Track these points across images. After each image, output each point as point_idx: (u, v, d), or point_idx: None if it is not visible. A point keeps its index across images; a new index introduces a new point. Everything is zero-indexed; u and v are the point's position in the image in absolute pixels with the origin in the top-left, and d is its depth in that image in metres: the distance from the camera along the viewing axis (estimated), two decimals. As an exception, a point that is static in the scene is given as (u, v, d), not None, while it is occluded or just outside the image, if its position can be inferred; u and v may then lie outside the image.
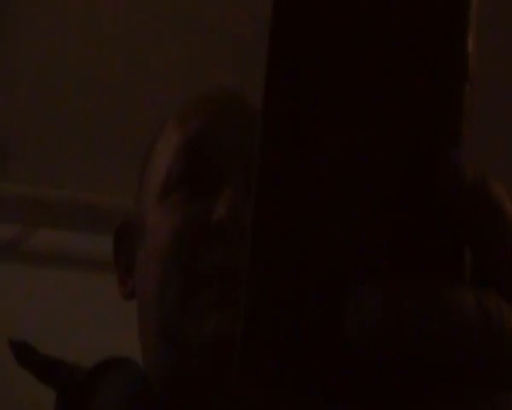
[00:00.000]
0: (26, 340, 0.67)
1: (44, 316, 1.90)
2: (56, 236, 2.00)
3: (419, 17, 0.29)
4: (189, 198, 0.63)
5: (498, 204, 0.28)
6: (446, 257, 0.29)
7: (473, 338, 0.27)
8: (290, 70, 0.29)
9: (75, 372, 0.67)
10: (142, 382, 0.65)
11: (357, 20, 0.29)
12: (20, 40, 1.96)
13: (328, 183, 0.29)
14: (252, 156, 0.63)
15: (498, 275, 0.29)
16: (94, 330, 1.89)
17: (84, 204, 1.99)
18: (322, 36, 0.29)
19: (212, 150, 0.64)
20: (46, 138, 1.97)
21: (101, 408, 0.64)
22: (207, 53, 1.95)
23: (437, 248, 0.29)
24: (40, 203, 1.99)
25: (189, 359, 0.60)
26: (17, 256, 1.99)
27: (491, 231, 0.28)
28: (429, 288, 0.27)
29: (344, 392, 0.28)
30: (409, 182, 0.29)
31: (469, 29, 0.29)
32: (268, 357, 0.28)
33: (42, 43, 1.96)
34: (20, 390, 1.69)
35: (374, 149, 0.29)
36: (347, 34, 0.29)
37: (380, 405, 0.28)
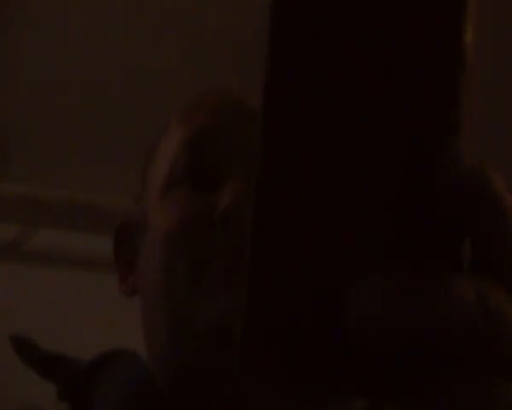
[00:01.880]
0: (27, 336, 0.67)
1: (44, 316, 1.90)
2: (56, 236, 2.00)
3: (418, 6, 0.29)
4: (192, 192, 0.64)
5: (497, 194, 0.28)
6: (445, 248, 0.29)
7: (472, 328, 0.27)
8: (289, 70, 0.29)
9: (77, 367, 0.67)
10: (145, 374, 0.65)
11: (356, 11, 0.29)
12: (21, 40, 1.96)
13: (328, 179, 0.29)
14: (253, 155, 0.64)
15: (497, 266, 0.29)
16: (94, 329, 1.89)
17: (84, 204, 1.99)
18: (320, 33, 0.29)
19: (214, 147, 0.65)
20: (46, 138, 1.97)
21: (103, 401, 0.64)
22: (207, 53, 1.95)
23: (436, 240, 0.29)
24: (40, 203, 1.99)
25: (194, 347, 0.60)
26: (17, 256, 1.99)
27: (490, 222, 0.28)
28: (429, 278, 0.27)
29: (345, 384, 0.28)
30: (408, 174, 0.29)
31: (468, 18, 0.29)
32: (268, 351, 0.28)
33: (42, 43, 1.96)
34: (20, 390, 1.69)
35: (373, 143, 0.29)
36: (345, 26, 0.29)
37: (380, 397, 0.28)
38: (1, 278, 1.94)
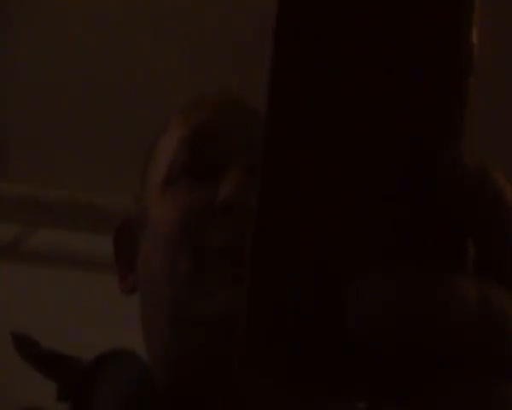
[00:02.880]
0: (29, 336, 0.67)
1: (44, 316, 1.90)
2: (56, 236, 2.00)
3: (421, 6, 0.29)
4: (192, 186, 0.64)
5: (498, 194, 0.28)
6: (446, 248, 0.29)
7: (473, 328, 0.27)
8: (291, 70, 0.29)
9: (77, 366, 0.67)
10: (145, 374, 0.65)
11: (359, 12, 0.29)
12: (21, 40, 1.96)
13: (328, 179, 0.29)
14: (252, 153, 0.64)
15: (498, 266, 0.29)
16: (94, 329, 1.89)
17: (84, 204, 1.99)
18: (322, 34, 0.29)
19: (214, 144, 0.65)
20: (46, 138, 1.97)
21: (103, 400, 0.64)
22: (207, 53, 1.95)
23: (437, 240, 0.29)
24: (40, 203, 1.98)
25: (194, 347, 0.60)
26: (17, 256, 1.98)
27: (491, 221, 0.28)
28: (429, 278, 0.27)
29: (345, 384, 0.28)
30: (409, 174, 0.29)
31: (473, 20, 0.29)
32: (268, 351, 0.28)
33: (42, 43, 1.96)
34: (20, 390, 1.69)
35: (374, 143, 0.29)
36: (349, 28, 0.29)
37: (380, 397, 0.28)
38: (1, 278, 1.94)
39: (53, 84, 1.96)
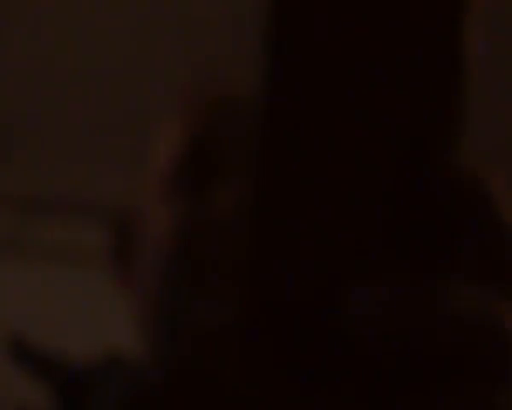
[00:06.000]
0: (22, 337, 0.67)
1: (44, 316, 1.91)
2: (55, 234, 2.00)
3: (417, 5, 0.29)
4: (189, 194, 0.64)
5: (496, 194, 0.28)
6: (446, 249, 0.29)
7: (472, 328, 0.27)
8: (287, 68, 0.29)
9: (73, 370, 0.67)
10: (142, 377, 0.65)
11: (356, 18, 0.29)
12: (20, 40, 1.96)
13: (327, 179, 0.29)
14: (250, 154, 0.64)
15: (497, 266, 0.29)
16: (94, 329, 1.90)
17: (84, 204, 1.99)
18: (320, 35, 0.29)
19: (212, 144, 0.65)
20: (46, 138, 1.97)
21: (100, 404, 0.64)
22: (207, 51, 1.96)
23: (436, 240, 0.29)
24: (40, 202, 1.99)
25: (193, 348, 0.60)
26: (16, 255, 1.99)
27: (489, 222, 0.28)
28: (430, 277, 0.27)
29: (345, 384, 0.28)
30: (407, 174, 0.29)
31: (469, 18, 0.29)
32: (268, 351, 0.28)
33: (43, 43, 1.96)
34: (18, 389, 1.69)
35: (375, 144, 0.29)
36: (345, 32, 0.29)
37: (380, 397, 0.28)
38: (1, 278, 1.94)
39: (53, 85, 1.97)
